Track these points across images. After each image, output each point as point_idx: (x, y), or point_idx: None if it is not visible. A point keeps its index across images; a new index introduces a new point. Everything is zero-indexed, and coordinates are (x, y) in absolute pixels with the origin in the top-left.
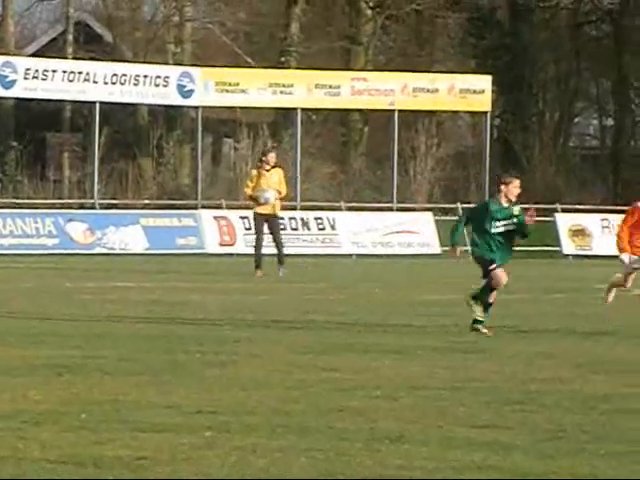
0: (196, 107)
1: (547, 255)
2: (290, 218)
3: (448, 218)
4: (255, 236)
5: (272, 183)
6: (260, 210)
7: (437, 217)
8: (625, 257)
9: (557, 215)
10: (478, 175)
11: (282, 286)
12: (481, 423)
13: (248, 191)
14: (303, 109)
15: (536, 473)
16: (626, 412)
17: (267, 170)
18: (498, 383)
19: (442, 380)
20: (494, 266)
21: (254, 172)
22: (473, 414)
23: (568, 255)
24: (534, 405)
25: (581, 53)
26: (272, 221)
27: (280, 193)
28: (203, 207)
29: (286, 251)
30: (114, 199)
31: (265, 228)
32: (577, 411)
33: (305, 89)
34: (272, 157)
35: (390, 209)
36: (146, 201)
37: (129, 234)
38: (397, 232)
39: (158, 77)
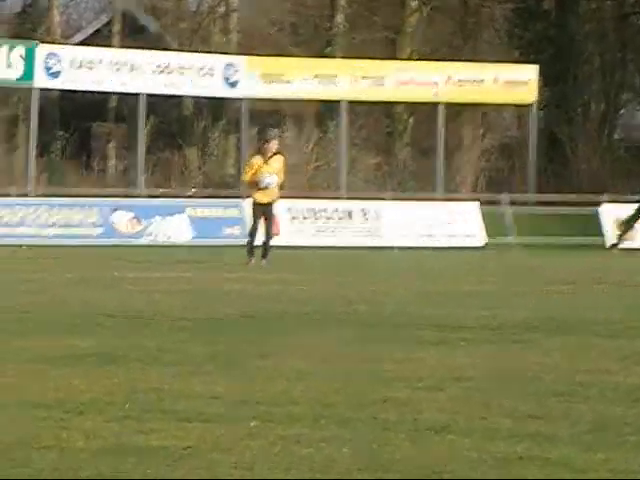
0: (241, 98)
1: (592, 247)
2: (335, 209)
3: (493, 209)
4: (252, 224)
5: (273, 170)
6: (260, 199)
7: (482, 208)
8: None
9: (602, 207)
10: (523, 166)
11: (325, 277)
12: (524, 414)
13: (246, 177)
14: (348, 100)
15: (579, 464)
16: None
17: (269, 157)
18: (541, 374)
19: (485, 371)
20: None
21: (254, 159)
22: (516, 405)
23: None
24: (577, 397)
25: (627, 44)
26: (270, 210)
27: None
28: (247, 197)
29: (333, 241)
30: (159, 189)
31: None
32: (620, 403)
33: (350, 80)
34: (274, 144)
35: (435, 200)
36: (192, 190)
37: (174, 224)
38: (441, 223)
39: (203, 67)
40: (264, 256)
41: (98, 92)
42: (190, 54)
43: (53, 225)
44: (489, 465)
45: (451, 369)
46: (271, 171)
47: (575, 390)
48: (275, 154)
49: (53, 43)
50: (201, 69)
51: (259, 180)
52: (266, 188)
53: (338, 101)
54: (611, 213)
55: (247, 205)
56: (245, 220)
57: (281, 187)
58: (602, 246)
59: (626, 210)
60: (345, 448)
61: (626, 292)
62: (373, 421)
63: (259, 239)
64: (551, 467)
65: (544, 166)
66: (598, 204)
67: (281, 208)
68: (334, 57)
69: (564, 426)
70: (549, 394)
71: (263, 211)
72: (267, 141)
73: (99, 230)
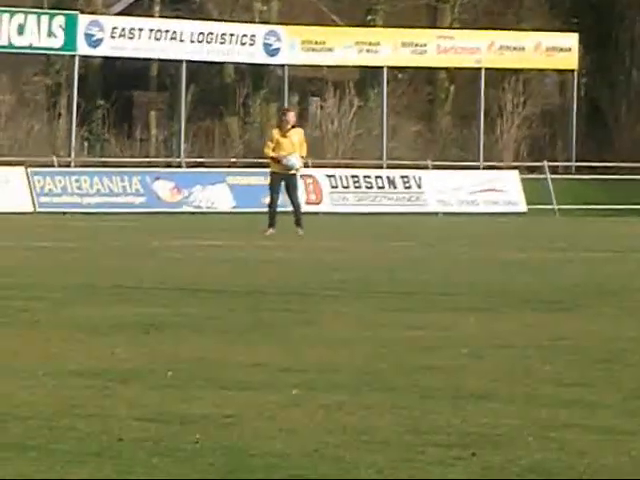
0: (282, 65)
1: (634, 213)
2: (376, 177)
3: (534, 176)
4: (270, 195)
5: (293, 143)
6: (278, 169)
7: (523, 175)
8: None
9: None
10: (565, 133)
11: (367, 245)
12: (567, 381)
13: (268, 151)
14: (389, 67)
15: (622, 430)
16: None
17: (288, 130)
18: (584, 341)
19: (528, 338)
20: None
21: (274, 132)
22: (559, 372)
23: None
24: (620, 363)
25: None
26: (290, 180)
27: (302, 157)
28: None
29: (374, 209)
30: (201, 158)
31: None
32: None
33: (391, 47)
34: (292, 116)
35: (476, 167)
36: (232, 159)
37: (216, 192)
38: (483, 190)
39: (244, 35)
40: (298, 224)
41: (140, 59)
42: (231, 23)
43: (95, 194)
44: (531, 431)
45: (494, 336)
46: (290, 146)
47: (618, 357)
48: (293, 127)
49: (94, 13)
50: (242, 37)
51: (281, 158)
52: (291, 169)
53: (379, 68)
54: None
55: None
56: None
57: (305, 162)
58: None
59: None
60: (387, 415)
61: None
62: (415, 388)
63: (286, 209)
64: (594, 434)
65: (585, 133)
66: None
67: (322, 176)
68: (375, 25)
69: (607, 392)
70: (592, 361)
71: (284, 181)
72: (285, 113)
73: (141, 199)
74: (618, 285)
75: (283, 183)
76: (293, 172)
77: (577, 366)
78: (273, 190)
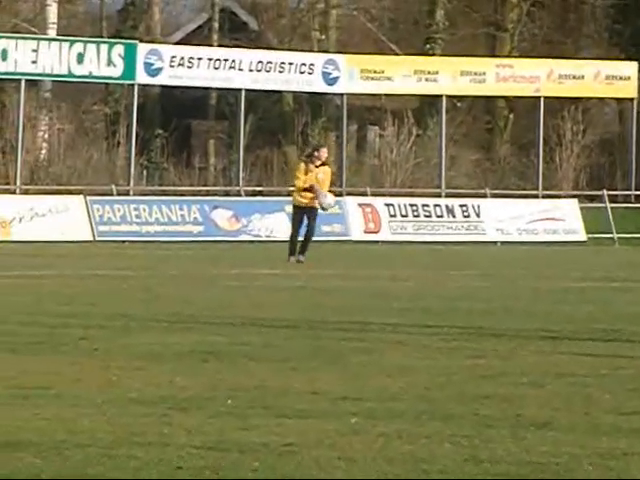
0: (341, 94)
1: None
2: (435, 205)
3: (593, 205)
4: (292, 225)
5: (318, 180)
6: (303, 202)
7: (582, 204)
8: None
9: None
10: (624, 162)
11: (427, 273)
12: (627, 410)
13: (300, 183)
14: (448, 96)
15: None
16: None
17: (317, 166)
18: None
19: (587, 367)
20: None
21: (302, 165)
22: (619, 401)
23: None
24: None
25: None
26: (312, 212)
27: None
28: (348, 194)
29: (433, 238)
30: (259, 186)
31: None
32: None
33: (450, 76)
34: (324, 152)
35: (535, 196)
36: (291, 188)
37: (274, 221)
38: (542, 219)
39: (303, 64)
40: (302, 252)
41: (199, 88)
42: (290, 52)
43: (154, 222)
44: (592, 460)
45: (553, 365)
46: (314, 181)
47: None
48: (323, 164)
49: (153, 42)
50: (301, 66)
51: (319, 193)
52: (326, 209)
53: (438, 96)
54: None
55: (347, 203)
56: (345, 217)
57: None
58: None
59: None
60: (447, 443)
61: None
62: (474, 417)
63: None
64: None
65: None
66: None
67: (380, 205)
68: (434, 54)
69: None
70: None
71: (305, 214)
72: (317, 149)
73: (199, 228)
74: None
75: (305, 215)
76: (314, 206)
77: (637, 395)
78: (296, 221)
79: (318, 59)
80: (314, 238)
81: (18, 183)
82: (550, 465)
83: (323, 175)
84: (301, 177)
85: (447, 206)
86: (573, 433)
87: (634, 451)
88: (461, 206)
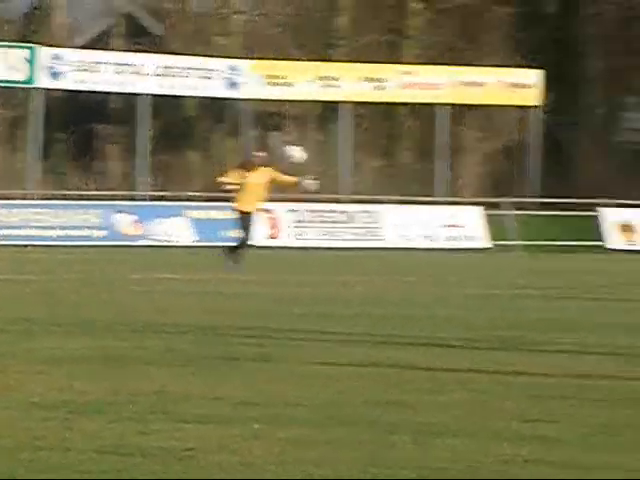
0: (244, 100)
1: (594, 250)
2: (337, 211)
3: (497, 212)
4: (244, 233)
5: (256, 185)
6: (247, 208)
7: (486, 211)
8: None
9: (604, 210)
10: (526, 169)
11: (328, 279)
12: (528, 417)
13: (225, 180)
14: (350, 102)
15: (583, 466)
16: None
17: (253, 170)
18: (544, 377)
19: (488, 374)
20: None
21: (237, 171)
22: (520, 408)
23: (614, 250)
24: (581, 399)
25: (631, 47)
26: (254, 217)
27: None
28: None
29: (335, 244)
30: (161, 191)
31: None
32: (624, 405)
33: (352, 82)
34: (260, 156)
35: (438, 203)
36: (193, 193)
37: (176, 226)
38: (444, 226)
39: (206, 69)
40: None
41: (101, 92)
42: (192, 57)
43: (56, 227)
44: (492, 467)
45: (455, 372)
46: (253, 186)
47: (578, 392)
48: (260, 167)
49: (57, 46)
50: (204, 71)
51: (299, 182)
52: (292, 161)
53: (340, 103)
54: (613, 216)
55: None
56: None
57: (288, 188)
58: (604, 249)
59: (628, 213)
60: (348, 450)
61: (627, 293)
62: (377, 423)
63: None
64: (555, 469)
65: (547, 169)
66: (600, 207)
67: (282, 210)
68: (336, 60)
69: (570, 429)
70: (552, 397)
71: (251, 220)
72: (253, 155)
73: (102, 232)
74: (577, 321)
75: (248, 218)
76: (254, 211)
77: (538, 402)
78: (246, 228)
79: (221, 64)
80: (220, 244)
81: None
82: (451, 471)
83: (263, 177)
84: (231, 179)
85: (349, 212)
86: (474, 440)
87: (535, 458)
88: (363, 212)
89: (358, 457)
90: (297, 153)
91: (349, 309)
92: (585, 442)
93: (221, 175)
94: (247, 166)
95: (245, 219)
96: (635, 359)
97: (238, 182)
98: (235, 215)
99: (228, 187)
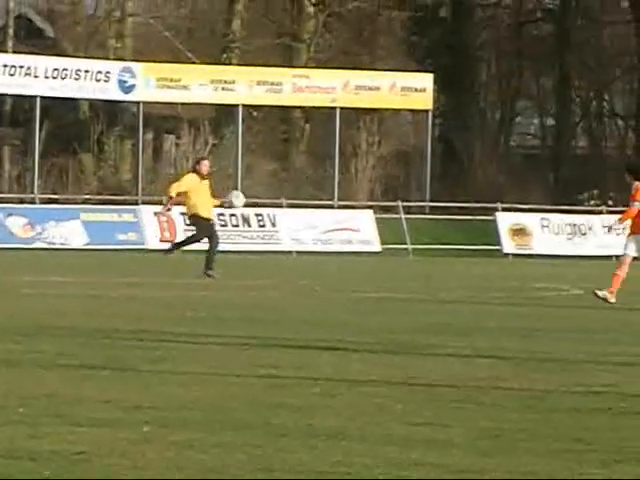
0: (137, 102)
1: (487, 254)
2: (231, 215)
3: (388, 216)
4: (211, 240)
5: (207, 191)
6: (207, 215)
7: (377, 215)
8: None
9: (497, 214)
10: (419, 173)
11: (223, 283)
12: (419, 420)
13: (174, 191)
14: (245, 105)
15: (474, 470)
16: (563, 411)
17: (203, 178)
18: (436, 381)
19: (380, 377)
20: None
21: (190, 178)
22: (411, 411)
23: (508, 254)
24: (472, 403)
25: (523, 52)
26: (212, 223)
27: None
28: (143, 203)
29: (229, 247)
30: (54, 194)
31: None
32: (515, 409)
33: (247, 86)
34: (204, 165)
35: (331, 207)
36: (86, 196)
37: (69, 229)
38: (337, 229)
39: (99, 72)
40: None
41: None
42: (85, 59)
43: None
44: (383, 470)
45: (347, 375)
46: (206, 193)
47: (469, 397)
48: (207, 175)
49: None
50: (97, 73)
51: (229, 201)
52: (230, 206)
53: (234, 106)
54: (506, 220)
55: (142, 211)
56: (140, 226)
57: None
58: (497, 253)
59: (521, 217)
60: (239, 453)
61: (522, 298)
62: (268, 426)
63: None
64: (445, 473)
65: (440, 173)
66: (494, 211)
67: (176, 214)
68: (230, 63)
69: (460, 433)
70: (444, 400)
71: (210, 225)
72: (198, 162)
73: None
74: (469, 326)
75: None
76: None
77: (428, 406)
78: (212, 235)
79: (114, 67)
80: (113, 247)
81: None
82: (341, 474)
83: (208, 184)
84: (181, 189)
85: (243, 215)
86: (365, 443)
87: (426, 461)
88: (257, 215)
89: (249, 461)
90: (237, 200)
91: (242, 313)
92: (475, 446)
93: (175, 181)
94: (198, 172)
95: (204, 225)
96: (527, 363)
97: (189, 190)
98: (194, 221)
99: (174, 199)
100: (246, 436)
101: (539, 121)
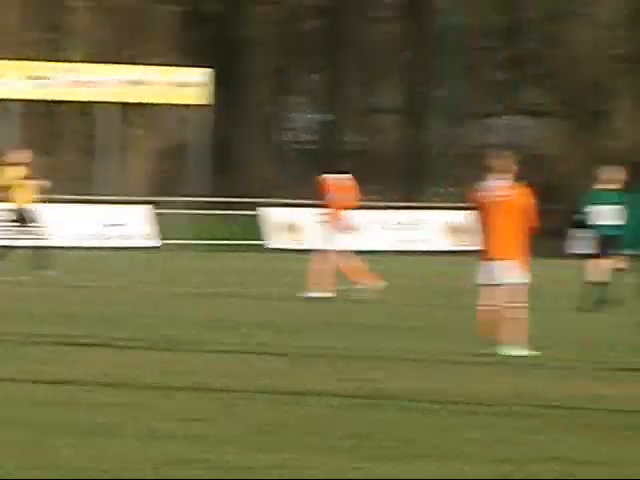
0: None
1: (255, 249)
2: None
3: (164, 211)
4: (25, 225)
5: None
6: (23, 204)
7: (153, 210)
8: None
9: (267, 209)
10: (194, 168)
11: None
12: (183, 416)
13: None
14: (14, 100)
15: (242, 467)
16: (332, 407)
17: (17, 166)
18: (204, 377)
19: (150, 373)
20: None
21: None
22: (179, 407)
23: (278, 249)
24: (244, 399)
25: (296, 47)
26: (33, 210)
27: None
28: None
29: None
30: None
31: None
32: (287, 406)
33: (16, 80)
34: (19, 154)
35: (104, 202)
36: None
37: None
38: (111, 225)
39: None
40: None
41: None
42: None
43: None
44: (143, 466)
45: (119, 370)
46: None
47: (246, 393)
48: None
49: None
50: None
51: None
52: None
53: (4, 101)
54: (277, 216)
55: None
56: None
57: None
58: (267, 248)
59: (291, 213)
60: (14, 450)
61: (285, 293)
62: (33, 423)
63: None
64: (212, 470)
65: (215, 168)
66: (264, 207)
67: None
68: (0, 57)
69: (228, 428)
70: (210, 398)
71: (31, 213)
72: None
73: None
74: (240, 320)
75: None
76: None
77: (198, 401)
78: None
79: None
80: None
81: None
82: (98, 472)
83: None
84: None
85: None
86: (126, 439)
87: (189, 458)
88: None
89: (17, 458)
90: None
91: (8, 306)
92: (244, 442)
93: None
94: (13, 163)
95: (25, 213)
96: (300, 359)
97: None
98: (15, 211)
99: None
100: (9, 433)
101: (311, 116)
